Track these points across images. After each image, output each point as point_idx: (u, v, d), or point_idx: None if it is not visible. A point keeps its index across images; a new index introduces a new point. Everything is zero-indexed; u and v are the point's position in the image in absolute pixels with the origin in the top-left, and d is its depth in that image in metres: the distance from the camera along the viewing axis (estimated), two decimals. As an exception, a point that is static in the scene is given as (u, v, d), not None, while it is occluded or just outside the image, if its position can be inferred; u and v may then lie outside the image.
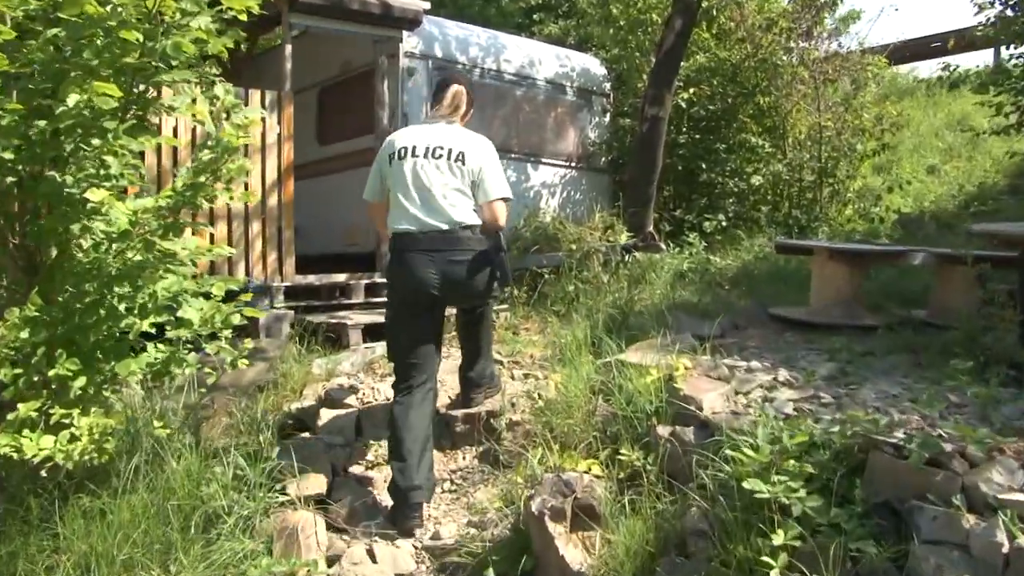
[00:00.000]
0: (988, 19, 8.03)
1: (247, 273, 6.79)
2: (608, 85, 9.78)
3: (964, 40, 10.72)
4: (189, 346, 4.15)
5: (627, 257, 7.60)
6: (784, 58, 9.33)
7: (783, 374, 3.95)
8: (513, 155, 8.71)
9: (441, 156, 4.01)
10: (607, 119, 9.72)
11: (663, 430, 3.56)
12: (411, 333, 4.09)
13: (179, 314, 3.96)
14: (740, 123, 9.66)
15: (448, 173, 4.00)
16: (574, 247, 7.59)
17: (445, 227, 3.94)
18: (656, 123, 7.96)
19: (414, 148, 4.04)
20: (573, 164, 9.33)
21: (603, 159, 9.61)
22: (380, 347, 5.94)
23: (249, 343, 6.42)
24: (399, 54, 7.82)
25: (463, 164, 4.02)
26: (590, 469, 3.52)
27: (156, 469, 3.79)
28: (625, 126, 9.56)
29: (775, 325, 5.37)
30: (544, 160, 9.01)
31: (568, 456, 3.71)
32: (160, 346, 4.03)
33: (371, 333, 6.29)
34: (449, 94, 4.25)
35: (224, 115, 3.89)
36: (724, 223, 9.04)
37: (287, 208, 6.99)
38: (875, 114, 9.31)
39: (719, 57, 9.35)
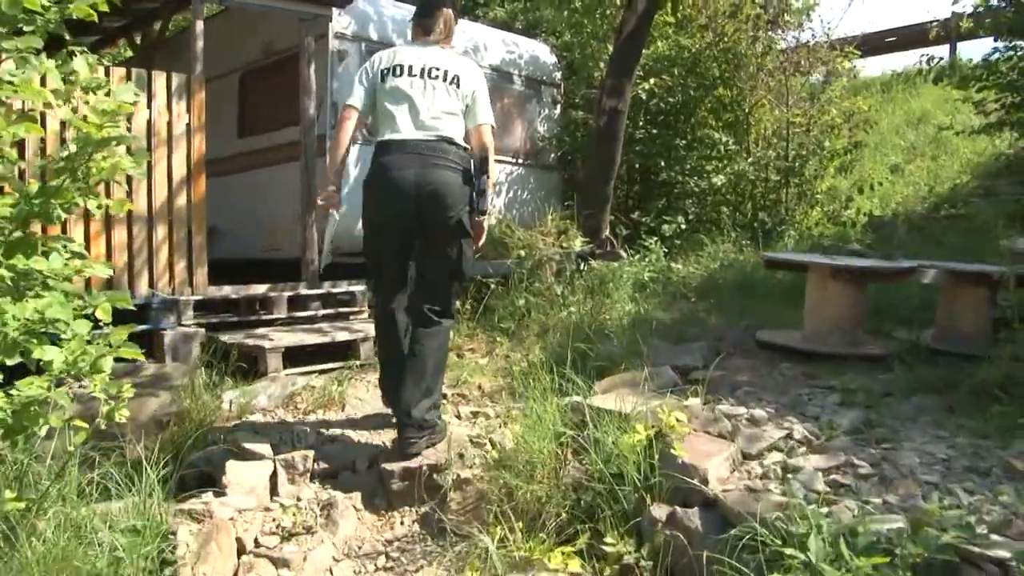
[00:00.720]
0: (965, 10, 7.47)
1: (151, 285, 5.91)
2: (559, 75, 9.04)
3: (925, 34, 10.23)
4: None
5: (583, 266, 6.85)
6: (749, 48, 8.65)
7: (798, 428, 3.25)
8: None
9: (437, 77, 4.05)
10: (558, 111, 8.97)
11: (659, 511, 2.83)
12: (388, 249, 4.14)
13: (36, 354, 3.06)
14: (700, 118, 8.98)
15: (444, 94, 4.04)
16: (523, 254, 6.82)
17: (433, 139, 3.96)
18: (615, 116, 7.23)
19: (410, 67, 4.05)
20: (520, 161, 8.57)
21: (553, 155, 8.88)
22: (302, 378, 5.11)
23: (150, 368, 5.51)
24: (328, 35, 6.96)
25: (458, 87, 4.09)
26: (567, 565, 2.75)
27: (6, 557, 2.92)
28: (577, 119, 8.83)
29: (764, 353, 4.66)
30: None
31: (536, 540, 2.93)
32: (15, 391, 3.13)
33: (293, 357, 5.44)
34: (440, 19, 4.24)
35: (85, 97, 3.00)
36: (683, 226, 8.36)
37: (197, 210, 6.10)
38: (844, 109, 8.69)
39: (679, 45, 8.64)
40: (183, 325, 5.87)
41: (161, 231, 5.93)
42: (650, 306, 6.55)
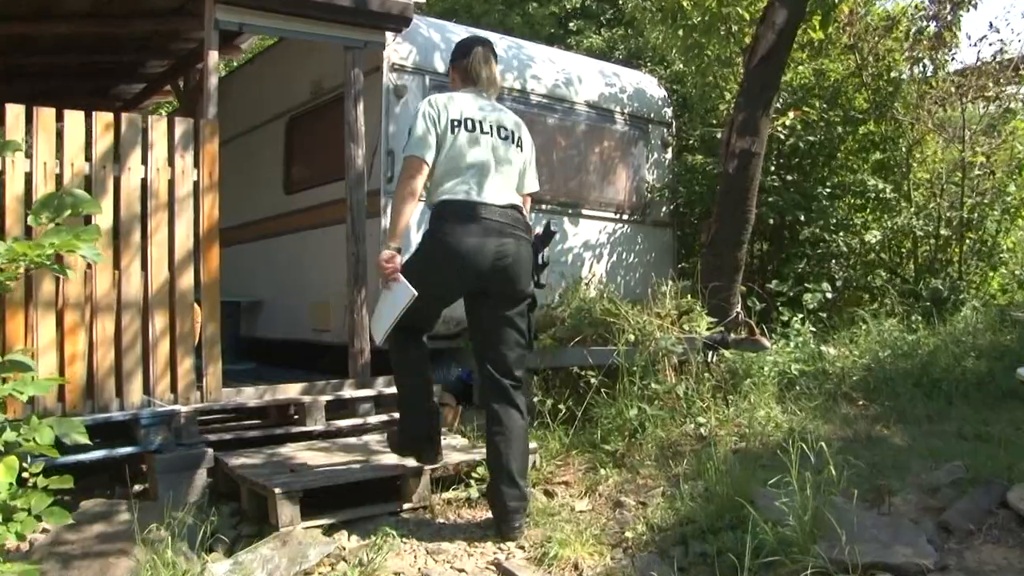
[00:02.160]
0: None
1: (146, 391, 4.56)
2: (669, 111, 7.50)
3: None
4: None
5: (712, 357, 5.21)
6: (908, 71, 6.94)
7: None
8: (545, 206, 6.39)
9: (507, 138, 3.86)
10: (669, 155, 7.42)
11: None
12: (435, 311, 3.96)
13: None
14: (843, 159, 7.28)
15: (514, 157, 3.87)
16: (632, 337, 5.23)
17: (509, 207, 3.75)
18: (748, 160, 5.66)
19: (480, 123, 3.80)
20: (625, 216, 7.04)
21: (664, 209, 7.27)
22: (324, 542, 3.63)
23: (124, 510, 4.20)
24: (383, 67, 5.58)
25: (521, 151, 3.93)
26: None
27: None
28: (696, 164, 7.20)
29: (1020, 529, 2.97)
30: (586, 212, 6.73)
31: None
32: None
33: (315, 504, 3.96)
34: (494, 68, 4.00)
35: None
36: (829, 294, 6.64)
37: (209, 291, 4.76)
38: (1035, 146, 6.90)
39: (820, 70, 6.99)
40: (185, 444, 4.47)
41: (160, 320, 4.59)
42: (805, 414, 4.90)
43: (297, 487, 3.87)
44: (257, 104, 7.42)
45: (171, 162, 4.65)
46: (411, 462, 4.21)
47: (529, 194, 4.00)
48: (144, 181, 4.58)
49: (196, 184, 4.74)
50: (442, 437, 4.69)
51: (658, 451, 4.55)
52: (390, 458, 4.40)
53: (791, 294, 6.57)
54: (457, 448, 4.70)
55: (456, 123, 3.74)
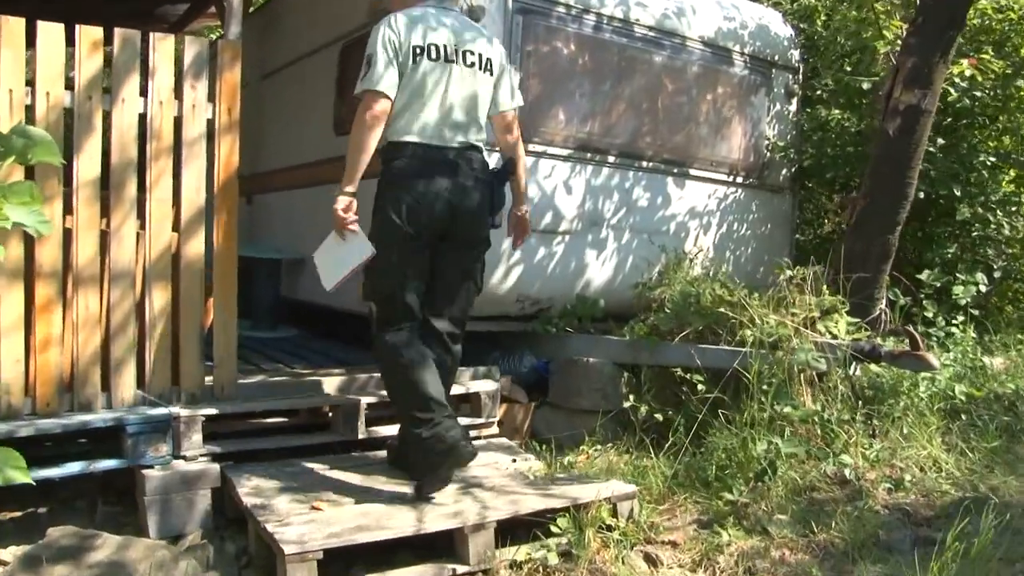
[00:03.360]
0: None
1: (140, 385, 3.61)
2: (796, 54, 6.23)
3: None
4: None
5: (855, 369, 4.09)
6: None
7: None
8: (646, 162, 5.30)
9: (474, 65, 3.49)
10: (793, 107, 6.16)
11: None
12: (416, 268, 3.47)
13: None
14: (1007, 122, 5.97)
15: (479, 87, 3.51)
16: (751, 336, 4.15)
17: (462, 144, 3.47)
18: (916, 121, 4.49)
19: (445, 48, 3.41)
20: (739, 179, 5.83)
21: (784, 172, 6.05)
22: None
23: (105, 546, 3.36)
24: (452, -19, 4.46)
25: (491, 75, 3.56)
26: None
27: None
28: (828, 120, 5.95)
29: None
30: (694, 172, 5.56)
31: None
32: None
33: (343, 557, 2.99)
34: None
35: None
36: (984, 287, 5.40)
37: (224, 259, 3.77)
38: None
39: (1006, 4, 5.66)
40: (185, 457, 3.52)
41: (160, 296, 3.62)
42: (979, 455, 3.77)
43: (314, 546, 2.87)
44: (308, 29, 6.36)
45: (179, 94, 3.64)
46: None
47: (506, 111, 3.66)
48: (143, 118, 3.58)
49: (210, 123, 3.73)
50: (513, 460, 3.87)
51: (792, 500, 3.47)
52: (446, 493, 3.39)
53: (937, 285, 5.35)
54: (531, 482, 3.66)
55: (419, 50, 3.38)
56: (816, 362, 3.81)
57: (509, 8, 4.72)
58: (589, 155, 5.07)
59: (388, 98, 3.31)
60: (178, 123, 3.64)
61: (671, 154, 5.48)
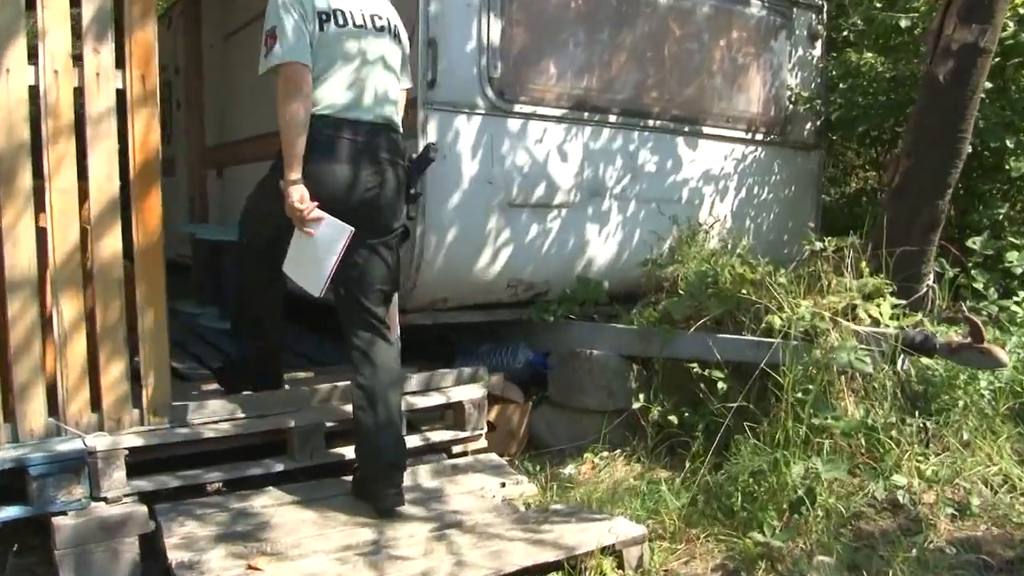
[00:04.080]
0: None
1: (52, 412, 3.09)
2: (821, -11, 5.48)
3: None
4: None
5: (902, 363, 3.47)
6: None
7: None
8: (653, 120, 4.67)
9: (383, 29, 3.22)
10: (817, 51, 5.45)
11: None
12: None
13: None
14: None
15: (389, 53, 3.25)
16: (779, 322, 3.56)
17: (379, 120, 3.18)
18: (972, 63, 3.85)
19: (352, 13, 3.11)
20: (758, 136, 5.16)
21: (808, 126, 5.36)
22: None
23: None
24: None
25: (399, 43, 3.34)
26: None
27: None
28: (860, 65, 5.24)
29: None
30: (707, 130, 4.91)
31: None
32: None
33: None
34: None
35: None
36: (1041, 255, 4.77)
37: (148, 259, 3.14)
38: None
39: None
40: (106, 499, 2.95)
41: (70, 306, 3.02)
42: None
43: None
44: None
45: (79, 60, 2.98)
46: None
47: (407, 89, 3.47)
48: (35, 90, 2.93)
49: (121, 93, 3.07)
50: (502, 484, 3.45)
51: (835, 535, 2.87)
52: (416, 539, 2.80)
53: (988, 253, 4.68)
54: (520, 517, 3.07)
55: (324, 16, 3.07)
56: (860, 362, 3.18)
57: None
58: (587, 115, 4.41)
59: (306, 66, 2.98)
60: (79, 96, 3.00)
61: (681, 110, 4.80)
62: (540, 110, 4.24)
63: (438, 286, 4.12)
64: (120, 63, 3.07)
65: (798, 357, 3.36)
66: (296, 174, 2.96)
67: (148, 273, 3.19)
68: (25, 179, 2.95)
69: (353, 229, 3.00)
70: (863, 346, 3.34)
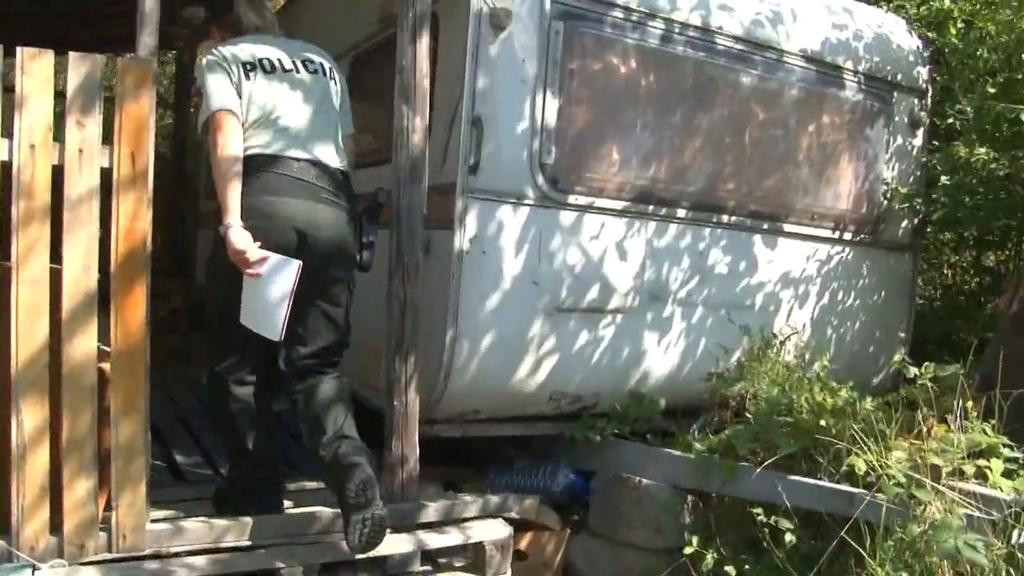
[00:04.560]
0: None
1: (4, 532, 2.76)
2: (924, 72, 4.96)
3: None
4: None
5: (1019, 537, 2.86)
6: None
7: None
8: (727, 216, 4.22)
9: (317, 72, 3.22)
10: (918, 140, 4.90)
11: None
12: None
13: None
14: None
15: (328, 92, 3.23)
16: (864, 470, 3.02)
17: (321, 160, 3.11)
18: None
19: (280, 60, 3.13)
20: (847, 235, 4.62)
21: (904, 224, 4.79)
22: None
23: None
24: (468, -21, 3.49)
25: (336, 84, 3.29)
26: None
27: None
28: (967, 160, 4.65)
29: None
30: (789, 227, 4.39)
31: None
32: None
33: None
34: (266, 6, 3.40)
35: None
36: None
37: (127, 365, 2.72)
38: None
39: None
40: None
41: (32, 414, 2.62)
42: None
43: None
44: (322, 37, 5.35)
45: (59, 135, 2.60)
46: None
47: (351, 134, 3.37)
48: (5, 167, 2.56)
49: (107, 173, 2.68)
50: None
51: None
52: None
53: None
54: None
55: (249, 66, 3.09)
56: (971, 550, 2.58)
57: (546, 10, 3.61)
58: (652, 208, 3.92)
59: (234, 113, 2.97)
60: (57, 175, 2.61)
61: (760, 205, 4.29)
62: (598, 202, 3.77)
63: (470, 397, 3.66)
64: (109, 138, 2.68)
65: (889, 528, 2.79)
66: (233, 219, 2.87)
67: (126, 379, 2.79)
68: (-13, 268, 2.57)
69: (300, 263, 2.87)
70: (974, 520, 2.75)
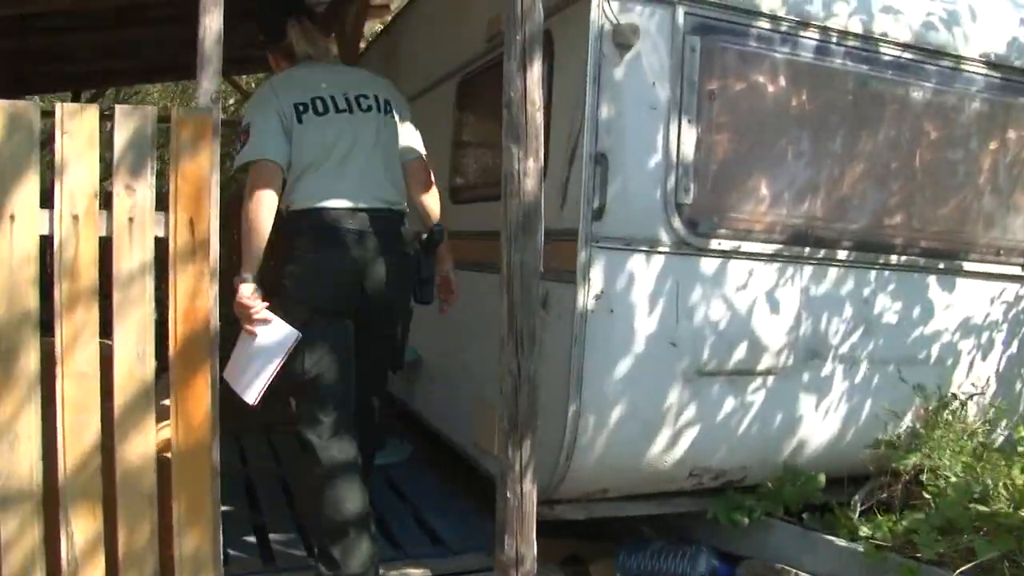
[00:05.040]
0: None
1: None
2: None
3: None
4: None
5: None
6: None
7: None
8: (896, 256, 3.56)
9: (371, 108, 3.07)
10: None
11: None
12: (337, 342, 2.97)
13: None
14: None
15: (384, 130, 3.07)
16: None
17: (375, 207, 2.98)
18: None
19: (333, 99, 3.02)
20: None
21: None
22: None
23: None
24: (590, -4, 2.94)
25: (394, 115, 3.14)
26: None
27: None
28: None
29: None
30: (969, 266, 3.70)
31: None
32: None
33: None
34: (319, 36, 3.27)
35: None
36: None
37: (192, 461, 2.34)
38: None
39: None
40: None
41: (84, 525, 2.23)
42: None
43: None
44: (427, 59, 4.92)
45: (106, 202, 2.19)
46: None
47: (416, 160, 3.18)
48: (46, 242, 2.15)
49: (162, 245, 2.25)
50: None
51: None
52: None
53: None
54: None
55: (302, 107, 2.95)
56: None
57: (679, 24, 3.02)
58: (808, 251, 3.29)
59: (277, 164, 2.87)
60: (105, 248, 2.19)
61: (935, 241, 3.59)
62: (745, 246, 3.16)
63: (596, 476, 3.12)
64: (166, 204, 2.25)
65: None
66: (249, 273, 2.79)
67: (191, 482, 2.36)
68: (29, 361, 2.18)
69: (299, 335, 2.81)
70: None
